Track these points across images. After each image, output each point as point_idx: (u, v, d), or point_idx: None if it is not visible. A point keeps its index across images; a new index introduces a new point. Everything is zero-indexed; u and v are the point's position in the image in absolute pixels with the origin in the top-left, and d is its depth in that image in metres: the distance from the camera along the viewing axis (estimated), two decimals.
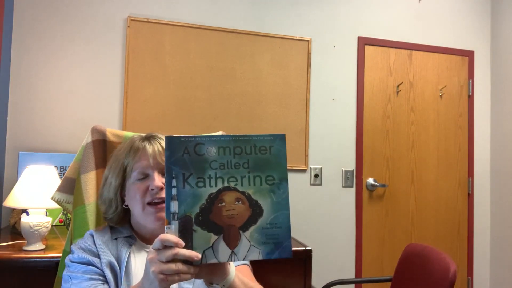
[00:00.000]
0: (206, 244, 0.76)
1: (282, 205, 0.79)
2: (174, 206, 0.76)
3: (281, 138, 0.82)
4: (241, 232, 0.78)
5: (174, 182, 0.77)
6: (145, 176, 1.01)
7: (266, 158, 0.81)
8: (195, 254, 0.73)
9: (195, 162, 0.78)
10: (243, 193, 0.79)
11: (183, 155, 0.78)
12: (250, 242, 0.77)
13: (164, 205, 0.97)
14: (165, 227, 0.76)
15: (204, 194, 0.77)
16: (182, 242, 0.73)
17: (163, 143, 1.04)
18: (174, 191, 0.77)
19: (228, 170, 0.79)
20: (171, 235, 0.73)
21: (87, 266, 0.95)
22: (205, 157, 0.79)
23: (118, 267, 0.97)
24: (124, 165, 1.03)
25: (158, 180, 0.99)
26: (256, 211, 0.78)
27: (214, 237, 0.76)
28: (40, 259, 1.52)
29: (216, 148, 0.79)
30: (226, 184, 0.78)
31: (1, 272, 1.49)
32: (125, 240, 1.03)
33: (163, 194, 0.99)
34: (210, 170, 0.78)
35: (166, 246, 0.72)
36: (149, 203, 0.99)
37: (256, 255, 0.77)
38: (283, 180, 0.81)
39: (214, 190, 0.78)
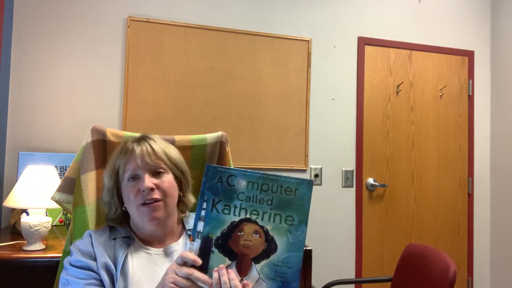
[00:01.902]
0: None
1: (297, 247, 0.83)
2: (200, 226, 0.85)
3: (308, 183, 0.86)
4: (253, 263, 0.83)
5: (204, 205, 0.85)
6: (136, 178, 1.01)
7: (289, 199, 0.85)
8: (208, 280, 0.80)
9: (225, 190, 0.86)
10: (261, 227, 0.84)
11: (217, 183, 0.86)
12: (259, 274, 0.82)
13: (157, 204, 1.00)
14: (189, 242, 0.85)
15: (228, 220, 0.85)
16: (199, 261, 0.81)
17: (153, 144, 1.05)
18: (203, 212, 0.85)
19: (252, 203, 0.85)
20: (190, 254, 0.81)
21: (83, 270, 0.95)
22: (234, 188, 0.86)
23: (114, 269, 0.96)
24: (116, 168, 1.04)
25: (148, 181, 0.99)
26: (270, 246, 0.83)
27: (228, 262, 0.83)
28: (40, 259, 1.52)
29: (246, 182, 0.86)
30: (248, 216, 0.85)
31: (1, 272, 1.49)
32: (123, 240, 1.03)
33: (154, 194, 0.99)
34: (237, 200, 0.85)
35: (186, 262, 0.80)
36: (142, 204, 0.99)
37: None
38: (302, 223, 0.84)
39: (236, 219, 0.85)
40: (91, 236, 1.03)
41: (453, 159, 2.99)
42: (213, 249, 0.83)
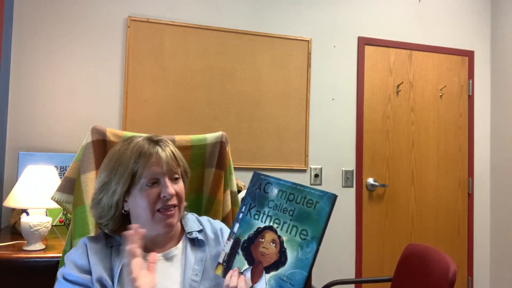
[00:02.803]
0: (240, 268, 0.86)
1: (304, 264, 0.80)
2: (236, 227, 0.90)
3: (329, 197, 0.83)
4: (264, 272, 0.83)
5: (243, 209, 0.90)
6: (156, 182, 0.97)
7: (308, 212, 0.84)
8: None
9: (260, 197, 0.90)
10: (279, 237, 0.85)
11: (256, 189, 0.91)
12: (266, 285, 0.82)
13: (173, 211, 0.98)
14: (225, 241, 0.91)
15: (255, 226, 0.88)
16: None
17: (172, 148, 1.03)
18: (241, 215, 0.90)
19: (277, 212, 0.87)
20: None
21: (77, 286, 0.93)
22: (267, 195, 0.89)
23: (110, 282, 0.93)
24: (133, 171, 0.96)
25: (171, 187, 0.97)
26: (281, 258, 0.83)
27: (246, 266, 0.85)
28: (40, 259, 1.52)
29: (277, 190, 0.88)
30: (271, 224, 0.87)
31: (1, 272, 1.49)
32: (120, 249, 0.99)
33: (173, 201, 0.97)
34: (267, 207, 0.88)
35: None
36: (158, 210, 0.96)
37: None
38: (314, 239, 0.81)
39: (262, 225, 0.87)
40: (86, 246, 0.98)
41: (453, 159, 2.99)
42: (239, 251, 0.87)
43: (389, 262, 2.83)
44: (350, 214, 2.77)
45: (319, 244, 0.80)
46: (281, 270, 0.81)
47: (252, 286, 0.82)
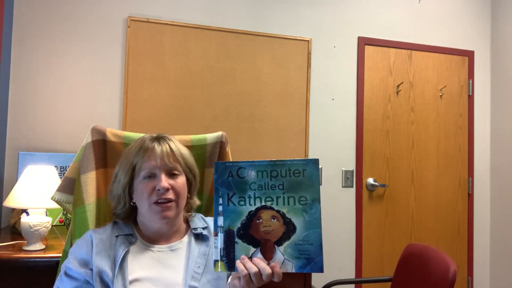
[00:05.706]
0: (246, 254, 0.87)
1: (314, 224, 0.87)
2: (220, 220, 0.90)
3: (314, 162, 0.89)
4: (276, 246, 0.87)
5: (220, 201, 0.90)
6: (152, 176, 1.03)
7: (299, 181, 0.89)
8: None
9: (237, 183, 0.90)
10: (278, 211, 0.89)
11: (228, 178, 0.91)
12: (284, 256, 0.86)
13: (170, 204, 1.02)
14: (213, 238, 0.89)
15: (245, 211, 0.89)
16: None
17: (172, 144, 1.07)
18: (220, 208, 0.90)
19: (265, 191, 0.90)
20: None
21: (74, 282, 0.96)
22: (245, 180, 0.90)
23: (110, 274, 0.96)
24: (133, 164, 1.05)
25: (165, 181, 1.01)
26: (289, 228, 0.87)
27: (252, 250, 0.87)
28: (40, 259, 1.52)
29: (255, 172, 0.90)
30: (263, 203, 0.89)
31: (1, 272, 1.49)
32: (125, 238, 1.04)
33: (169, 194, 1.02)
34: (250, 190, 0.90)
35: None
36: (155, 202, 1.01)
37: (289, 268, 0.86)
38: (315, 201, 0.88)
39: (253, 208, 0.89)
40: (91, 236, 1.03)
41: (453, 159, 2.99)
42: (237, 240, 0.88)
43: (389, 262, 2.83)
44: (350, 214, 2.77)
45: (320, 203, 0.88)
46: (293, 238, 0.86)
47: (268, 263, 0.85)
